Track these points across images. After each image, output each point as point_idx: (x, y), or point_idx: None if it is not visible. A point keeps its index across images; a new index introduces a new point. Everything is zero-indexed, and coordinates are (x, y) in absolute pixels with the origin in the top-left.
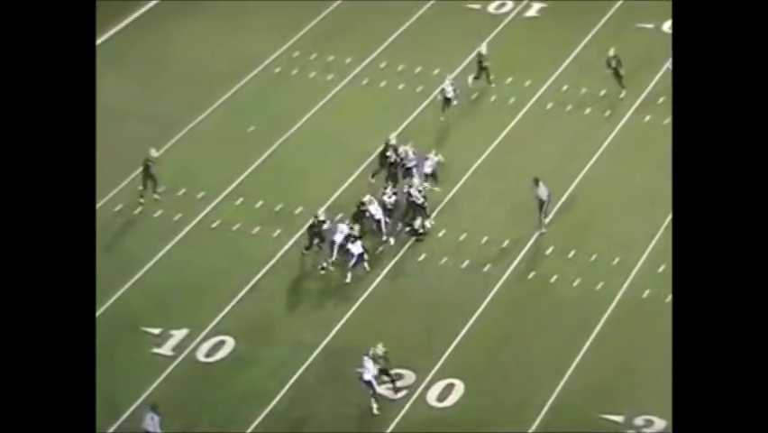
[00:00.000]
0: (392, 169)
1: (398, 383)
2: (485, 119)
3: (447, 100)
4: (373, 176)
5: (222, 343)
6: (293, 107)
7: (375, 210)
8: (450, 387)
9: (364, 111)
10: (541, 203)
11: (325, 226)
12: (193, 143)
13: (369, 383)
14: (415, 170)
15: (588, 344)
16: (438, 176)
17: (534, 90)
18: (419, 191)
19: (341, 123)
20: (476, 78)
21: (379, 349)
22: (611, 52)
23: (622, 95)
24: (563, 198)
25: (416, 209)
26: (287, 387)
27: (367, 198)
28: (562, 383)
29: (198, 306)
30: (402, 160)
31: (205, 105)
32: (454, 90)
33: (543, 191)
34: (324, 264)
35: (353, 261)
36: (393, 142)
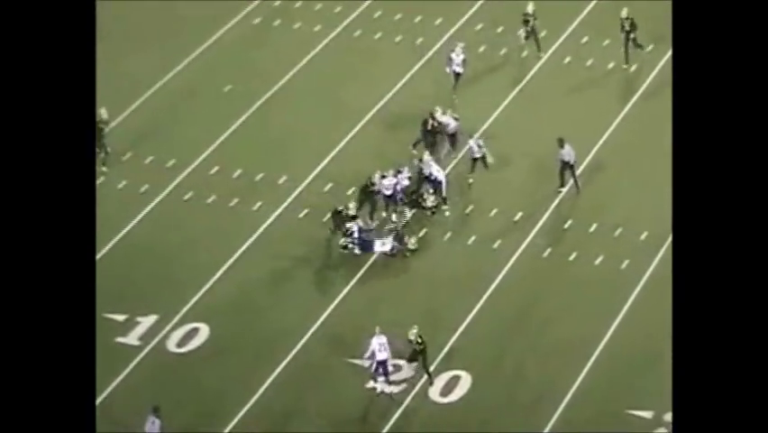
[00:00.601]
0: (430, 137)
1: (396, 376)
2: (494, 75)
3: (457, 75)
4: (414, 146)
5: (195, 331)
6: (275, 63)
7: (387, 185)
8: (455, 380)
9: (357, 67)
10: (564, 166)
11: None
12: (161, 104)
13: (383, 364)
14: (459, 137)
15: (612, 329)
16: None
17: (549, 43)
18: (431, 174)
19: (330, 80)
20: (527, 38)
21: (412, 334)
22: (623, 13)
23: (632, 69)
24: (584, 165)
25: (433, 186)
26: (270, 380)
27: (377, 175)
28: (582, 375)
29: (168, 289)
30: (441, 126)
31: (175, 60)
32: (463, 60)
33: (568, 153)
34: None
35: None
36: (438, 113)
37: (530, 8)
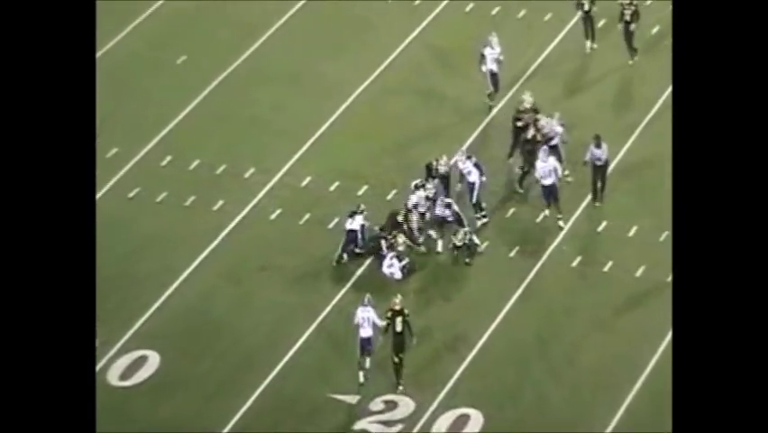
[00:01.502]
0: (527, 145)
1: (392, 414)
2: (507, 44)
3: (493, 76)
4: (510, 156)
5: (143, 359)
6: (240, 29)
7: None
8: (462, 419)
9: (340, 34)
10: (596, 169)
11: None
12: (100, 81)
13: (366, 343)
14: (560, 147)
15: (657, 355)
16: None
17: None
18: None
19: (307, 50)
20: (589, 36)
21: (395, 304)
22: None
23: (631, 62)
24: (621, 154)
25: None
26: (235, 419)
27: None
28: (621, 411)
29: (109, 308)
30: (544, 135)
31: (118, 27)
32: (499, 55)
33: (600, 152)
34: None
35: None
36: (527, 104)
37: None
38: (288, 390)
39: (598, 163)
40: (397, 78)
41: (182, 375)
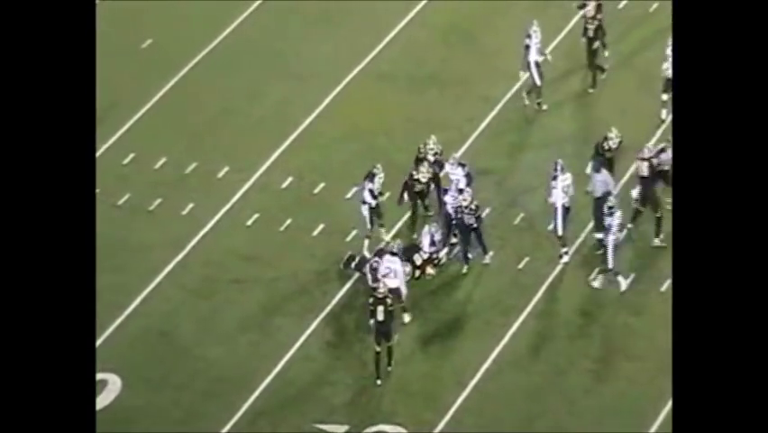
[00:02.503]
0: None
1: None
2: (513, 29)
3: (537, 68)
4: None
5: (102, 384)
6: (211, 10)
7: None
8: None
9: (325, 15)
10: (600, 204)
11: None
12: None
13: (396, 291)
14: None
15: None
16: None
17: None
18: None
19: (288, 33)
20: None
21: (378, 291)
22: (590, 8)
23: (591, 90)
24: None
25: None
26: None
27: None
28: None
29: None
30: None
31: None
32: (540, 43)
33: (604, 182)
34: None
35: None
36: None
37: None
38: (265, 420)
39: (598, 194)
40: (392, 62)
41: (147, 402)
